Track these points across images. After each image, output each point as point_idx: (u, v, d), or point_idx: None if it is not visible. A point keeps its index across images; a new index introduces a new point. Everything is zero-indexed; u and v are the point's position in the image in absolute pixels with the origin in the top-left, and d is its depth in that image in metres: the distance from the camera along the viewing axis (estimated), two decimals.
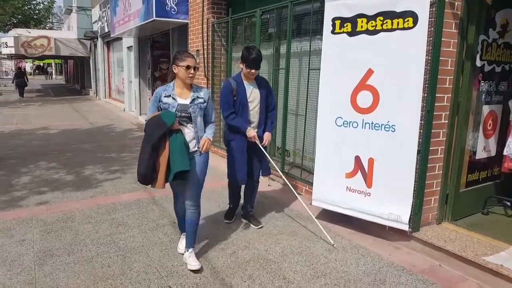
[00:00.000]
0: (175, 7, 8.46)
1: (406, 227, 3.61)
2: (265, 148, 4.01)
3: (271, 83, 5.85)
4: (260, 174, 4.12)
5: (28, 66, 44.39)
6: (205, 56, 7.48)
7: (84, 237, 3.80)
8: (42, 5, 25.33)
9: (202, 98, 3.21)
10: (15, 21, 24.25)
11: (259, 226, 4.10)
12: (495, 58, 3.93)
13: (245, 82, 3.89)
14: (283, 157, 5.53)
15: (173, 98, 3.13)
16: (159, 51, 12.36)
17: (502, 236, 3.54)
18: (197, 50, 7.82)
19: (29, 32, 22.81)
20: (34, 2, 25.26)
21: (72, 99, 20.97)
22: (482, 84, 3.90)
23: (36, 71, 55.33)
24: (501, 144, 4.17)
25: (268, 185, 5.54)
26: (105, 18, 16.46)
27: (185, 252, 3.32)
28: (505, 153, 4.08)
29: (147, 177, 3.04)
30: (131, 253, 3.47)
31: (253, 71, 3.80)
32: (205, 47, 7.48)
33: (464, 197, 3.99)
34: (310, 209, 4.08)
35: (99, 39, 19.38)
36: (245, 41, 6.46)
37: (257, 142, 3.86)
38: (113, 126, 11.38)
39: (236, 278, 3.13)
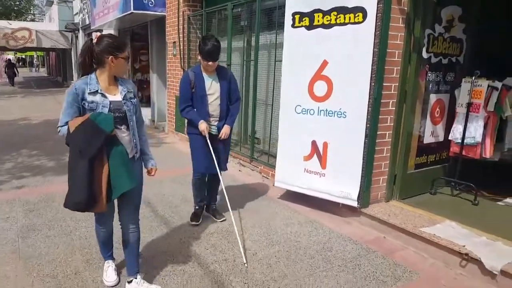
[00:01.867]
0: (152, 0, 8.66)
1: (355, 203, 3.97)
2: (228, 141, 3.95)
3: (242, 74, 6.19)
4: (218, 170, 3.80)
5: (10, 58, 43.87)
6: (181, 48, 7.74)
7: (63, 215, 4.07)
8: None
9: (132, 92, 2.67)
10: None
11: (221, 219, 4.04)
12: (442, 50, 4.30)
13: (204, 74, 3.73)
14: (252, 144, 5.85)
15: (102, 95, 2.50)
16: (139, 43, 12.52)
17: (442, 212, 3.92)
18: (174, 42, 8.07)
19: (10, 24, 22.67)
20: None
21: (55, 91, 20.98)
22: (429, 74, 4.27)
23: (19, 63, 54.60)
24: (449, 130, 4.54)
25: (239, 170, 5.86)
26: (86, 10, 16.52)
27: (132, 280, 2.78)
28: (450, 138, 4.48)
29: (87, 204, 2.39)
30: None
31: (210, 63, 3.62)
32: (181, 39, 7.73)
33: (412, 178, 4.37)
34: (273, 189, 4.43)
35: (80, 31, 19.38)
36: (219, 34, 6.74)
37: (207, 136, 3.70)
38: None
39: (200, 247, 3.45)
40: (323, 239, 3.68)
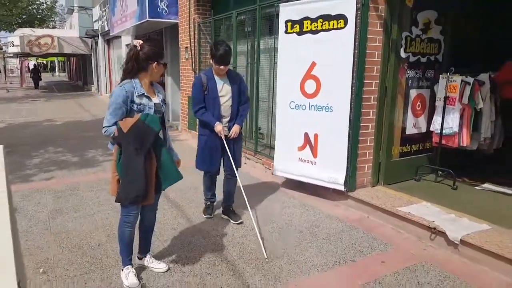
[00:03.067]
0: (166, 9, 9.31)
1: (342, 188, 4.49)
2: (239, 139, 4.10)
3: (246, 75, 6.75)
4: (234, 168, 3.98)
5: (31, 64, 45.57)
6: (193, 52, 8.35)
7: (87, 200, 4.72)
8: (45, 5, 26.26)
9: (163, 95, 2.98)
10: (20, 21, 25.25)
11: (238, 222, 4.08)
12: (420, 50, 4.77)
13: (216, 77, 3.88)
14: (256, 139, 6.40)
15: (148, 98, 2.77)
16: (158, 44, 13.19)
17: (422, 196, 4.39)
18: (186, 47, 8.69)
19: (34, 32, 23.80)
20: (37, 2, 26.22)
21: (75, 95, 22.01)
22: (408, 72, 4.75)
23: (41, 68, 56.58)
24: (431, 122, 5.00)
25: (244, 163, 6.41)
26: (105, 17, 17.33)
27: (142, 258, 3.18)
28: (431, 129, 4.95)
29: (144, 196, 2.66)
30: None
31: (222, 67, 3.77)
32: (192, 44, 8.34)
33: (396, 166, 4.86)
34: (274, 179, 4.96)
35: (100, 37, 20.26)
36: (225, 39, 7.31)
37: (223, 137, 3.87)
38: None
39: (205, 225, 4.03)
40: (312, 218, 4.21)
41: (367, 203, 4.33)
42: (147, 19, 9.36)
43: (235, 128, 3.96)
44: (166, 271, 3.14)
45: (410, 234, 3.84)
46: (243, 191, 3.86)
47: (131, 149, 2.60)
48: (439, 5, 4.76)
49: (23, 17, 25.30)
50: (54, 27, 34.03)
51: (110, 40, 19.29)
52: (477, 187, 4.80)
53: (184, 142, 8.45)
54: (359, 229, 3.98)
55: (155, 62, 2.74)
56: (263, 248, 3.42)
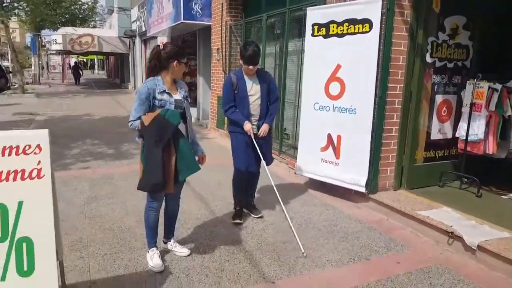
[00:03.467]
0: (200, 11, 9.58)
1: (363, 189, 4.54)
2: (269, 138, 4.15)
3: (274, 76, 6.88)
4: (264, 164, 4.13)
5: (72, 61, 47.56)
6: (224, 53, 8.56)
7: (120, 189, 5.03)
8: (86, 5, 27.35)
9: (186, 92, 3.17)
10: (63, 20, 26.43)
11: (258, 216, 4.24)
12: (446, 56, 4.76)
13: (245, 77, 3.96)
14: (281, 139, 6.53)
15: (169, 94, 2.99)
16: (188, 49, 13.52)
17: (444, 201, 4.37)
18: (218, 49, 8.91)
19: (75, 30, 24.86)
20: (80, 2, 27.33)
21: (113, 92, 22.81)
22: (434, 77, 4.74)
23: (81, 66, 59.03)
24: (457, 128, 4.97)
25: None
26: (142, 18, 17.89)
27: (167, 242, 3.44)
28: (456, 135, 4.92)
29: (161, 185, 2.87)
30: None
31: (250, 67, 3.85)
32: (224, 45, 8.55)
33: (420, 171, 4.85)
34: (296, 178, 5.07)
35: (137, 37, 20.90)
36: (257, 41, 7.45)
37: (252, 136, 3.95)
38: None
39: (227, 217, 4.20)
40: (332, 217, 4.29)
41: (387, 205, 4.37)
42: (182, 21, 9.67)
43: (265, 127, 4.03)
44: (188, 255, 3.36)
45: (428, 238, 3.86)
46: (275, 189, 4.00)
47: (151, 141, 2.81)
48: (468, 9, 4.72)
49: (66, 16, 26.43)
50: (94, 27, 35.33)
51: (147, 40, 19.86)
52: (503, 196, 4.73)
53: (212, 140, 8.67)
54: (377, 230, 4.03)
55: (176, 61, 2.96)
56: (300, 244, 3.52)
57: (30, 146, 2.14)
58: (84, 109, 13.74)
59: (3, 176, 2.08)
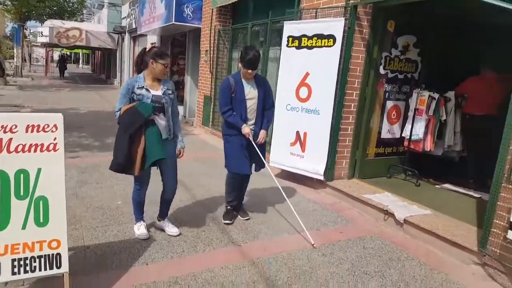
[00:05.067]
0: (191, 14, 10.35)
1: (322, 178, 5.43)
2: (264, 143, 4.27)
3: None
4: (254, 170, 4.30)
5: (56, 54, 47.44)
6: (212, 55, 9.37)
7: (108, 175, 5.62)
8: None
9: (170, 89, 3.51)
10: (51, 13, 26.60)
11: (246, 218, 4.41)
12: (398, 68, 5.69)
13: (243, 80, 4.02)
14: None
15: (147, 90, 3.35)
16: (178, 49, 14.28)
17: (387, 188, 5.28)
18: (206, 51, 9.72)
19: (63, 24, 25.14)
20: None
21: (98, 87, 23.27)
22: (386, 86, 5.67)
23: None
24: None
25: None
26: (133, 16, 18.51)
27: (160, 220, 3.91)
28: (403, 135, 5.86)
29: (124, 166, 3.28)
30: None
31: (249, 71, 3.91)
32: (212, 48, 9.36)
33: (370, 164, 5.78)
34: (272, 171, 5.88)
35: (127, 33, 21.47)
36: (241, 46, 8.31)
37: (251, 139, 4.03)
38: None
39: (208, 201, 5.00)
40: (295, 200, 5.14)
41: (340, 191, 5.26)
42: (173, 22, 10.41)
43: (263, 134, 4.15)
44: (178, 235, 3.84)
45: (369, 216, 4.77)
46: (282, 191, 4.41)
47: (122, 128, 3.29)
48: (417, 31, 5.67)
49: (54, 9, 26.57)
50: (82, 20, 35.55)
51: (136, 37, 20.43)
52: (437, 186, 5.69)
53: (197, 137, 9.45)
54: (330, 210, 4.92)
55: (153, 61, 3.35)
56: (309, 237, 3.92)
57: (48, 125, 2.62)
58: (70, 103, 14.08)
59: (26, 148, 2.55)
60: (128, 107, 3.30)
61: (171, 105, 3.55)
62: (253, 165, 4.29)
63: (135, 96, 3.36)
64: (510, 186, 3.40)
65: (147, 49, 3.47)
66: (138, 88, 3.36)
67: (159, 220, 3.97)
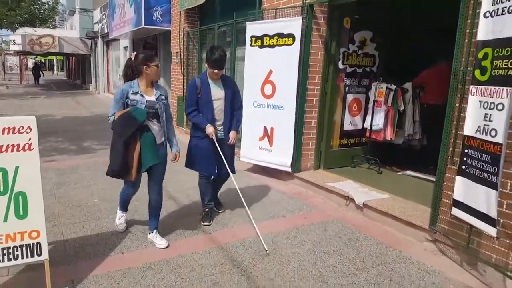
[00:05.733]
0: (160, 17, 10.55)
1: (289, 169, 5.72)
2: (233, 145, 4.31)
3: None
4: (230, 172, 4.23)
5: (30, 62, 46.75)
6: (182, 57, 9.58)
7: (85, 176, 5.88)
8: (47, 5, 27.33)
9: (163, 95, 3.53)
10: (22, 20, 26.26)
11: (222, 211, 4.59)
12: (356, 63, 6.02)
13: (210, 81, 4.00)
14: None
15: (141, 95, 3.36)
16: (150, 52, 14.38)
17: (351, 177, 5.59)
18: (177, 52, 9.91)
19: (35, 31, 24.86)
20: (39, 1, 27.25)
21: (74, 93, 23.17)
22: (346, 80, 6.00)
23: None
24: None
25: None
26: (105, 20, 18.53)
27: (149, 233, 3.77)
28: (364, 126, 6.19)
29: (120, 173, 3.33)
30: (118, 183, 5.52)
31: (216, 71, 3.90)
32: (182, 50, 9.57)
33: (335, 154, 6.10)
34: (243, 165, 6.16)
35: (100, 38, 21.45)
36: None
37: (214, 139, 4.00)
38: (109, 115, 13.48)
39: (181, 196, 5.23)
40: (265, 192, 5.41)
41: (307, 181, 5.56)
42: (143, 26, 10.60)
43: (233, 135, 4.19)
44: (166, 247, 3.69)
45: (332, 202, 5.08)
46: (240, 193, 4.26)
47: (116, 134, 3.34)
48: (374, 27, 6.01)
49: (25, 16, 26.28)
50: (54, 27, 35.13)
51: (109, 42, 20.46)
52: (398, 173, 6.05)
53: None
54: (296, 199, 5.21)
55: (145, 66, 3.39)
56: (263, 242, 3.76)
57: (23, 127, 2.82)
58: (46, 109, 14.13)
59: (4, 148, 2.75)
60: (122, 113, 3.31)
61: (165, 110, 3.57)
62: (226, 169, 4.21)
63: (129, 102, 3.37)
64: (453, 167, 3.73)
65: (132, 58, 3.49)
66: (132, 93, 3.37)
67: (149, 233, 3.83)
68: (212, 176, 4.27)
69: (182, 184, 5.56)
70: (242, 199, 4.28)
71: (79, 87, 29.28)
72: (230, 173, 4.19)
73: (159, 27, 10.68)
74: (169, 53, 10.71)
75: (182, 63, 9.64)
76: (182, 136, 9.31)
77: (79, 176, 5.92)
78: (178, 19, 9.65)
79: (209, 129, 3.96)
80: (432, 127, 5.93)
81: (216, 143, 4.02)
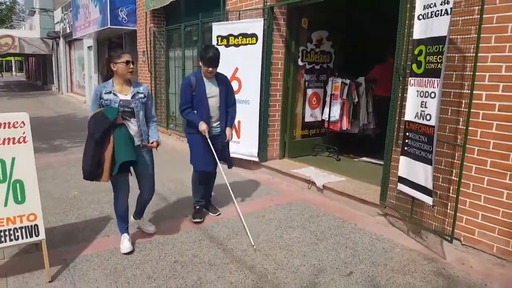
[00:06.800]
0: (125, 18, 10.77)
1: (256, 159, 6.22)
2: (227, 143, 4.35)
3: None
4: (228, 167, 4.42)
5: None
6: (149, 55, 9.87)
7: (61, 172, 6.16)
8: (4, 5, 26.68)
9: (142, 93, 3.43)
10: None
11: (217, 214, 4.55)
12: (314, 60, 6.58)
13: (204, 79, 4.07)
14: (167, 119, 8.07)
15: (114, 94, 3.31)
16: (120, 49, 14.48)
17: (312, 164, 6.15)
18: (143, 51, 10.19)
19: None
20: None
21: (36, 94, 22.80)
22: (305, 76, 6.55)
23: None
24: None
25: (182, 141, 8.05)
26: (67, 20, 18.38)
27: (136, 219, 3.94)
28: (323, 117, 6.77)
29: (93, 173, 3.23)
30: None
31: (210, 69, 3.97)
32: (149, 49, 9.87)
33: (298, 144, 6.65)
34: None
35: (61, 38, 21.20)
36: (176, 46, 8.91)
37: (207, 136, 4.05)
38: (75, 114, 13.64)
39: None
40: (236, 180, 5.82)
41: (273, 169, 6.08)
42: (109, 26, 10.78)
43: (229, 131, 4.28)
44: (154, 232, 3.97)
45: (297, 186, 5.62)
46: (229, 187, 4.41)
47: (89, 134, 3.28)
48: (329, 26, 6.58)
49: None
50: (11, 26, 34.13)
51: (71, 41, 20.28)
52: (355, 159, 6.66)
53: None
54: (264, 185, 5.71)
55: (112, 63, 3.35)
56: (250, 237, 3.90)
57: (17, 122, 3.11)
58: (10, 111, 13.56)
59: (1, 141, 3.05)
60: (95, 113, 3.30)
61: (144, 110, 3.50)
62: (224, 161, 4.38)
63: (103, 102, 3.33)
64: (397, 149, 4.31)
65: (107, 57, 3.50)
66: (105, 93, 3.33)
67: (135, 218, 3.98)
68: (207, 172, 4.34)
69: (162, 177, 5.91)
70: (230, 191, 4.44)
71: (41, 87, 28.69)
72: (221, 167, 4.32)
73: (125, 27, 10.89)
74: (136, 52, 10.94)
75: (149, 62, 9.93)
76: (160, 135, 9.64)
77: (55, 172, 6.19)
78: (144, 19, 9.93)
79: (202, 126, 4.02)
80: (384, 117, 6.59)
81: (208, 140, 4.08)
